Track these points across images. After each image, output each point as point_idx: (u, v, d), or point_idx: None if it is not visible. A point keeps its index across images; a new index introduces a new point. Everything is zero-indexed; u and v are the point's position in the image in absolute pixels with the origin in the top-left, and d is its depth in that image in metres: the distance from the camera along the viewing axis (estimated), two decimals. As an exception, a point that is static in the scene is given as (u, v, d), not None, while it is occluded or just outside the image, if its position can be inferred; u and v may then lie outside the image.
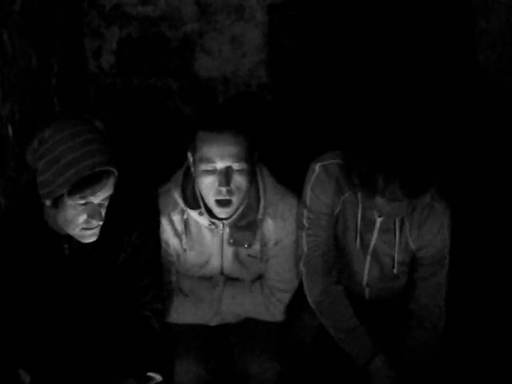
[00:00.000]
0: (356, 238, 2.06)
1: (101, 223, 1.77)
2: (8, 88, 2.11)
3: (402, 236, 2.03)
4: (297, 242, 2.07)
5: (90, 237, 1.80)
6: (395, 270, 2.09)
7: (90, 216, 1.73)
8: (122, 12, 3.02)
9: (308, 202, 2.01)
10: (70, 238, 1.84)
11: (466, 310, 2.42)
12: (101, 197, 1.73)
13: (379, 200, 1.80)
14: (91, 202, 1.73)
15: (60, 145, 1.67)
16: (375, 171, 1.75)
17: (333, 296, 2.05)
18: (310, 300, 2.06)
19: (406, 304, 2.10)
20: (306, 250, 2.03)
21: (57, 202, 1.72)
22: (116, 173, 1.74)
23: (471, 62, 2.88)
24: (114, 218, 1.83)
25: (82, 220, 1.74)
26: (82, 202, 1.71)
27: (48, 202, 1.73)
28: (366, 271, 2.12)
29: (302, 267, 2.05)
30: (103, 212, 1.77)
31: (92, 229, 1.77)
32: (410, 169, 1.72)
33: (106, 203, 1.77)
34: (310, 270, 2.04)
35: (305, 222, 2.02)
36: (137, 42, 3.05)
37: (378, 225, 2.02)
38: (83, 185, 1.67)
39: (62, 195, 1.69)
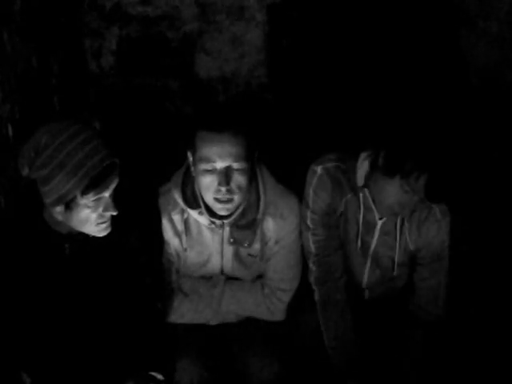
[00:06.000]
0: (357, 241, 2.06)
1: (115, 213, 1.79)
2: (8, 88, 2.11)
3: (401, 237, 2.04)
4: (298, 242, 2.07)
5: (105, 229, 1.82)
6: (395, 272, 2.09)
7: (106, 209, 1.76)
8: (122, 12, 3.01)
9: (311, 203, 2.02)
10: (71, 238, 1.84)
11: (465, 310, 2.42)
12: (111, 188, 1.75)
13: (391, 187, 1.80)
14: (103, 196, 1.74)
15: (62, 149, 1.67)
16: (405, 155, 1.76)
17: (336, 301, 2.06)
18: (316, 298, 2.07)
19: (406, 304, 2.11)
20: (314, 250, 2.04)
21: (70, 205, 1.72)
22: (118, 161, 1.76)
23: (466, 63, 2.89)
24: (114, 217, 1.84)
25: (95, 216, 1.77)
26: (95, 198, 1.73)
27: (59, 208, 1.73)
28: (366, 273, 2.13)
29: (311, 266, 2.06)
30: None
31: (106, 222, 1.81)
32: (444, 172, 1.74)
33: (112, 193, 1.79)
34: (320, 270, 2.05)
35: (309, 223, 2.03)
36: (137, 41, 3.05)
37: (378, 227, 2.03)
38: (96, 182, 1.69)
39: (75, 197, 1.70)
